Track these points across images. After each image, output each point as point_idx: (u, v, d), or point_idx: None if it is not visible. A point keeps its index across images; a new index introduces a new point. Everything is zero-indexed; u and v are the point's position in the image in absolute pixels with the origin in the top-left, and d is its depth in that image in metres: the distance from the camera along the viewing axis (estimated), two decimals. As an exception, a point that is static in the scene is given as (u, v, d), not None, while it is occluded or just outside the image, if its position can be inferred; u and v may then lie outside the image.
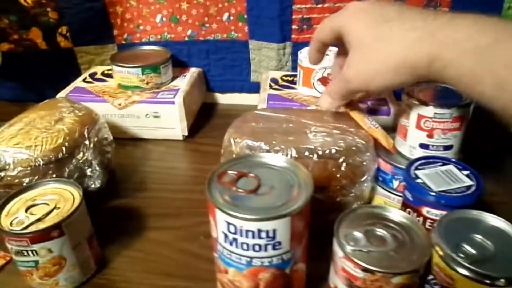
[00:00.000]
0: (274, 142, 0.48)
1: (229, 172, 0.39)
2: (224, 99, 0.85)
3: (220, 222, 0.36)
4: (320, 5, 0.72)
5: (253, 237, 0.35)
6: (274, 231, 0.34)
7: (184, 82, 0.74)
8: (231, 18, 0.76)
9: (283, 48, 0.77)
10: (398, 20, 0.41)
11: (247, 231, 0.34)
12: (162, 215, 0.56)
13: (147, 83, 0.71)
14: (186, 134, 0.72)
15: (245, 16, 0.75)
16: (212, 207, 0.36)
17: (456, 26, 0.37)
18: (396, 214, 0.40)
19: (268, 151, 0.48)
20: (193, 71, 0.79)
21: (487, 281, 0.34)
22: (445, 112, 0.46)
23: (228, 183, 0.38)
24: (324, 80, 0.68)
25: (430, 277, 0.38)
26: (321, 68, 0.66)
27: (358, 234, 0.38)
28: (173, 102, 0.69)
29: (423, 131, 0.48)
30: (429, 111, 0.47)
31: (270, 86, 0.72)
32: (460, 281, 0.35)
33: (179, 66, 0.80)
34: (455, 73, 0.37)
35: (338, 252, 0.38)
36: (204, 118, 0.79)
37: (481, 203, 0.42)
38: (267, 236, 0.35)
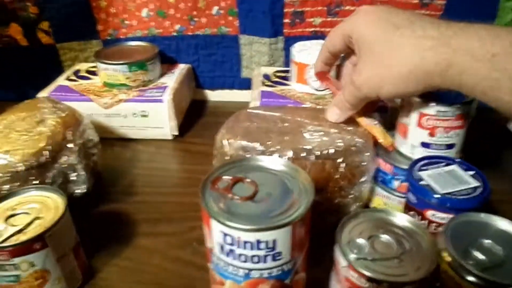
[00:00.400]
0: (269, 142, 0.46)
1: (224, 177, 0.36)
2: (215, 96, 0.82)
3: (216, 233, 0.33)
4: (313, -2, 0.70)
5: (252, 248, 0.32)
6: (274, 241, 0.32)
7: (172, 79, 0.71)
8: (221, 12, 0.73)
9: (275, 43, 0.74)
10: (409, 27, 0.40)
11: (245, 242, 0.32)
12: (152, 220, 0.53)
13: (134, 81, 0.68)
14: (176, 133, 0.69)
15: (236, 10, 0.73)
16: (207, 217, 0.33)
17: (470, 34, 0.37)
18: (401, 219, 0.38)
19: (263, 152, 0.45)
20: (181, 68, 0.76)
21: (499, 290, 0.32)
22: (448, 110, 0.44)
23: (223, 190, 0.35)
24: (322, 75, 0.65)
25: (438, 284, 0.36)
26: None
27: (361, 241, 0.36)
28: (161, 101, 0.66)
29: (425, 130, 0.46)
30: (431, 109, 0.45)
31: (263, 83, 0.69)
32: (470, 289, 0.33)
33: (167, 62, 0.77)
34: (472, 79, 0.37)
35: (341, 261, 0.36)
36: (194, 116, 0.76)
37: (488, 204, 0.40)
38: (267, 247, 0.32)
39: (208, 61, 0.78)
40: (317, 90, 0.66)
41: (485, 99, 0.37)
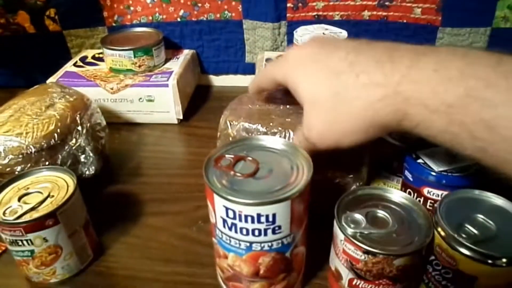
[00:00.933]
0: (271, 124, 0.47)
1: (227, 156, 0.38)
2: (219, 81, 0.83)
3: (219, 207, 0.35)
4: (315, -18, 0.70)
5: (253, 222, 0.34)
6: (274, 215, 0.34)
7: (177, 64, 0.73)
8: (223, -3, 0.74)
9: (278, 28, 0.75)
10: (351, 72, 0.35)
11: (246, 216, 0.34)
12: (159, 200, 0.55)
13: (140, 66, 0.70)
14: (181, 117, 0.70)
15: (237, -5, 0.74)
16: (210, 192, 0.35)
17: (417, 78, 0.32)
18: (397, 195, 0.40)
19: (265, 133, 0.47)
20: (186, 53, 0.77)
21: (489, 261, 0.34)
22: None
23: (226, 167, 0.37)
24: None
25: (432, 257, 0.37)
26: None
27: (358, 216, 0.38)
28: (167, 85, 0.67)
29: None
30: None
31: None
32: (462, 261, 0.35)
33: (172, 48, 0.79)
34: (429, 132, 0.33)
35: (339, 234, 0.37)
36: (199, 101, 0.78)
37: (483, 182, 0.41)
38: (267, 221, 0.34)
39: (212, 47, 0.79)
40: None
41: (450, 148, 0.33)
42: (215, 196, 0.34)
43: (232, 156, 0.38)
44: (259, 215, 0.33)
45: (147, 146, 0.66)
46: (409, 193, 0.43)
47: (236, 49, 0.79)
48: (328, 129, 0.37)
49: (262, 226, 0.34)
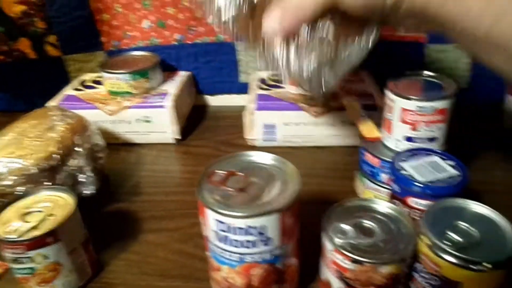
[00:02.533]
0: None
1: (218, 172, 0.40)
2: (215, 101, 0.86)
3: (211, 221, 0.36)
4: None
5: (244, 234, 0.36)
6: (264, 227, 0.35)
7: (173, 86, 0.75)
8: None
9: (270, 48, 0.78)
10: None
11: (237, 229, 0.35)
12: (157, 217, 0.56)
13: (137, 88, 0.72)
14: (178, 137, 0.72)
15: (231, 18, 0.76)
16: (202, 207, 0.37)
17: None
18: (383, 206, 0.41)
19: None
20: (182, 75, 0.80)
21: (472, 267, 0.35)
22: (427, 106, 0.48)
23: (218, 183, 0.39)
24: None
25: (418, 265, 0.39)
26: (307, 67, 0.67)
27: (346, 227, 0.39)
28: (163, 106, 0.69)
29: (407, 124, 0.49)
30: (412, 104, 0.48)
31: (259, 87, 0.73)
32: (446, 267, 0.36)
33: (169, 70, 0.81)
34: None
35: (327, 245, 0.39)
36: (195, 120, 0.80)
37: (468, 192, 0.43)
38: (257, 233, 0.36)
39: (207, 68, 0.82)
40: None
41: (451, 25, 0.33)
42: (207, 210, 0.36)
43: (224, 172, 0.40)
44: (249, 228, 0.35)
45: (145, 165, 0.68)
46: (397, 204, 0.45)
47: (230, 70, 0.81)
48: None
49: (253, 238, 0.36)
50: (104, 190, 0.59)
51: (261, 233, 0.36)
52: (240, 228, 0.35)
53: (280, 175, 0.39)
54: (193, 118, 0.80)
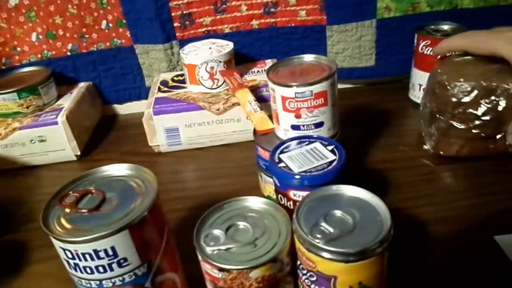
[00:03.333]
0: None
1: (71, 193, 0.36)
2: (124, 109, 0.82)
3: (58, 250, 0.33)
4: (197, -2, 0.70)
5: (92, 259, 0.32)
6: (113, 248, 0.32)
7: (69, 99, 0.70)
8: (110, 25, 0.73)
9: (170, 48, 0.74)
10: None
11: (83, 254, 0.32)
12: (47, 245, 0.52)
13: (27, 107, 0.67)
14: (79, 153, 0.68)
15: (124, 21, 0.72)
16: (47, 235, 0.33)
17: None
18: (258, 203, 0.39)
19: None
20: (81, 86, 0.75)
21: (342, 259, 0.33)
22: (305, 90, 0.45)
23: (69, 205, 0.35)
24: (224, 74, 0.65)
25: (298, 262, 0.37)
26: (203, 63, 0.64)
27: (218, 232, 0.37)
28: (56, 123, 0.65)
29: (290, 112, 0.47)
30: (290, 91, 0.46)
31: (159, 89, 0.69)
32: (319, 262, 0.34)
33: (67, 83, 0.76)
34: None
35: (199, 255, 0.36)
36: (103, 132, 0.76)
37: (346, 176, 0.41)
38: (107, 255, 0.32)
39: (109, 76, 0.78)
40: (210, 88, 0.66)
41: None
42: (51, 238, 0.32)
43: (77, 191, 0.36)
44: (96, 251, 0.32)
45: (42, 189, 0.64)
46: (280, 199, 0.43)
47: (134, 75, 0.77)
48: None
49: (104, 262, 0.32)
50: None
51: (111, 255, 0.32)
52: (87, 254, 0.32)
53: (138, 186, 0.36)
54: (101, 130, 0.76)
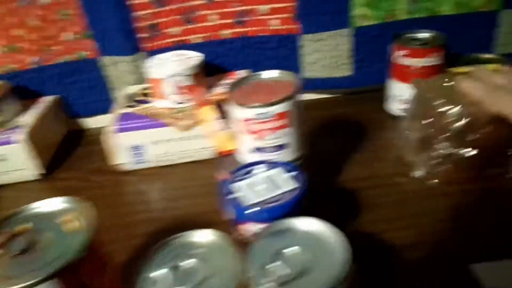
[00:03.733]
0: None
1: (2, 231, 0.33)
2: (93, 123, 0.78)
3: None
4: (163, 8, 0.67)
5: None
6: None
7: (32, 115, 0.67)
8: (77, 36, 0.70)
9: (138, 60, 0.71)
10: None
11: (7, 306, 0.29)
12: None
13: (-14, 125, 0.64)
14: (42, 172, 0.65)
15: (90, 32, 0.69)
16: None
17: None
18: (208, 237, 0.36)
19: None
20: (46, 100, 0.72)
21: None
22: (266, 111, 0.43)
23: (-2, 246, 0.32)
24: (192, 88, 0.62)
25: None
26: (169, 77, 0.61)
27: (163, 273, 0.34)
28: (15, 141, 0.62)
29: (252, 134, 0.44)
30: (250, 113, 0.43)
31: (125, 104, 0.66)
32: (271, 307, 0.31)
33: (32, 97, 0.73)
34: None
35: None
36: (70, 148, 0.72)
37: (305, 206, 0.38)
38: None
39: (76, 89, 0.74)
40: (177, 103, 0.63)
41: None
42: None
43: (7, 231, 0.33)
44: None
45: (2, 210, 0.60)
46: (234, 230, 0.40)
47: (100, 87, 0.74)
48: None
49: (30, 313, 0.29)
50: None
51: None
52: (9, 305, 0.29)
53: (74, 223, 0.33)
54: (66, 145, 0.73)
